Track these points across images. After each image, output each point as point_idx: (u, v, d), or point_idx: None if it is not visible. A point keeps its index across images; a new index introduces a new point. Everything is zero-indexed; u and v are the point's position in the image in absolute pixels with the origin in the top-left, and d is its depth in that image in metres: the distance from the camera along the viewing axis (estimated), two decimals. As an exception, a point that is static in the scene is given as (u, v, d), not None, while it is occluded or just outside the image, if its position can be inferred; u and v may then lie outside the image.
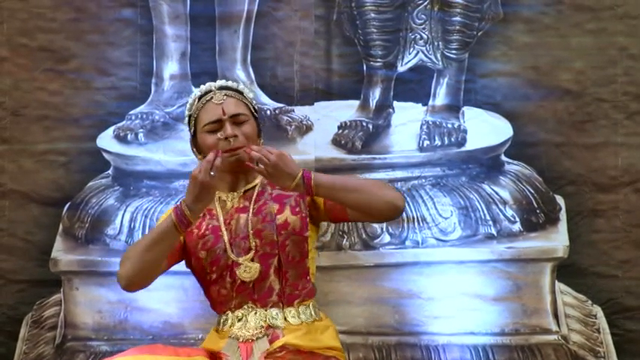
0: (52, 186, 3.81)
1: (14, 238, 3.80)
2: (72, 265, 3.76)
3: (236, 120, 2.79)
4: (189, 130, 2.85)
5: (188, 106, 2.87)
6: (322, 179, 2.66)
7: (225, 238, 2.75)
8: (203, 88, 2.86)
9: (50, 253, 3.77)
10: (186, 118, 2.87)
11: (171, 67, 3.81)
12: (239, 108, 2.80)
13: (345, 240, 3.62)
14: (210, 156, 2.61)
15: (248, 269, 2.72)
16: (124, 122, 3.81)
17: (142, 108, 3.81)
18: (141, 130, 3.80)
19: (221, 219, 2.78)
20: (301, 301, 2.77)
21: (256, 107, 2.88)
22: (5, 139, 3.82)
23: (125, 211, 3.77)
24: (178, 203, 2.63)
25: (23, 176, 3.81)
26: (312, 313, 2.78)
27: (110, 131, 3.81)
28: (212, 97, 2.80)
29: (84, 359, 3.75)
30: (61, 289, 3.77)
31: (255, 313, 2.73)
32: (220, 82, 2.87)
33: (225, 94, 2.81)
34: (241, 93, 2.86)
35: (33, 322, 3.79)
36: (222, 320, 2.78)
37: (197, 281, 2.84)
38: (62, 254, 3.77)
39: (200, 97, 2.84)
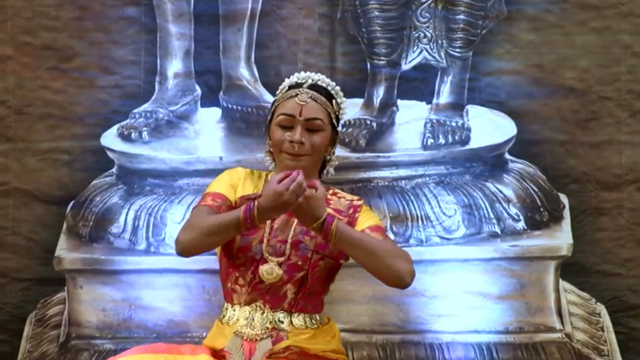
0: (55, 184, 3.81)
1: (18, 236, 3.80)
2: (76, 264, 3.76)
3: (310, 125, 2.79)
4: (270, 113, 2.86)
5: (279, 89, 2.89)
6: (343, 231, 2.67)
7: (266, 233, 2.76)
8: (301, 76, 2.86)
9: (54, 251, 3.77)
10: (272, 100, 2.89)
11: (175, 66, 3.81)
12: (318, 114, 2.80)
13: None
14: (300, 178, 2.60)
15: (271, 271, 2.73)
16: (127, 120, 3.81)
17: (145, 106, 3.81)
18: (145, 128, 3.79)
19: None
20: (310, 312, 2.78)
21: (340, 116, 2.88)
22: (9, 138, 3.81)
23: (129, 209, 3.77)
24: (250, 204, 2.63)
25: (27, 175, 3.81)
26: (318, 319, 2.79)
27: (114, 130, 3.81)
28: (297, 95, 2.81)
29: (88, 357, 3.75)
30: (65, 288, 3.77)
31: (263, 313, 2.74)
32: (317, 79, 2.86)
33: (311, 97, 2.81)
34: (331, 97, 2.85)
35: (37, 320, 3.79)
36: (228, 314, 2.78)
37: (219, 259, 2.84)
38: (66, 252, 3.77)
39: (290, 87, 2.84)
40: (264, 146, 2.97)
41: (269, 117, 2.89)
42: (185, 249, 2.76)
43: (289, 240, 2.76)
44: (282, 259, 2.75)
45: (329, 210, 2.77)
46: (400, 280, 2.72)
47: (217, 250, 2.90)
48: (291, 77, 2.91)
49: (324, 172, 2.97)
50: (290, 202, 2.61)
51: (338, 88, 2.93)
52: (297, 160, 2.79)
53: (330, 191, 2.92)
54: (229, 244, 2.79)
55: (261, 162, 3.68)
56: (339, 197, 2.91)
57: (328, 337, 2.79)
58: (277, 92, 2.94)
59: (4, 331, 3.79)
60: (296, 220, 2.76)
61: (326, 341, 2.77)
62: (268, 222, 2.78)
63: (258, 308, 2.75)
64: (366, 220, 2.84)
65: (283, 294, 2.74)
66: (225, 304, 2.82)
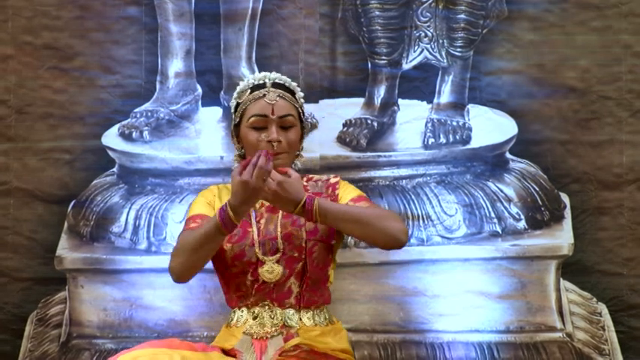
0: (56, 184, 3.81)
1: (19, 236, 3.80)
2: (77, 263, 3.76)
3: (283, 123, 2.79)
4: (234, 118, 2.85)
5: (237, 93, 2.88)
6: (326, 208, 2.66)
7: (255, 235, 2.76)
8: (257, 77, 2.86)
9: (55, 251, 3.77)
10: (234, 105, 2.87)
11: (176, 65, 3.81)
12: (289, 110, 2.81)
13: (350, 237, 3.61)
14: (262, 161, 2.58)
15: (272, 270, 2.73)
16: (128, 120, 3.81)
17: (146, 106, 3.81)
18: (146, 127, 3.80)
19: (252, 215, 2.78)
20: (317, 306, 2.77)
21: (303, 110, 2.88)
22: (10, 137, 3.82)
23: (130, 208, 3.77)
24: (223, 206, 2.62)
25: (28, 174, 3.81)
26: (327, 317, 2.79)
27: (115, 129, 3.81)
28: (265, 95, 2.80)
29: (89, 357, 3.74)
30: (66, 287, 3.77)
31: (272, 311, 2.74)
32: (274, 78, 2.86)
33: (279, 95, 2.81)
34: (293, 93, 2.86)
35: (38, 320, 3.79)
36: (235, 316, 2.78)
37: (215, 271, 2.84)
38: (67, 252, 3.77)
39: (252, 89, 2.83)
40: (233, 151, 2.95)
41: (235, 121, 2.87)
42: (178, 274, 2.76)
43: (279, 235, 2.76)
44: (277, 255, 2.74)
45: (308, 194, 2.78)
46: (395, 240, 2.71)
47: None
48: (247, 80, 2.90)
49: (292, 165, 2.95)
50: (258, 188, 2.57)
51: (295, 83, 2.93)
52: (275, 158, 2.78)
53: (305, 178, 2.92)
54: (221, 257, 2.78)
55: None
56: (315, 181, 2.91)
57: (337, 337, 2.79)
58: (235, 96, 2.91)
59: (5, 330, 3.79)
60: (280, 214, 2.76)
61: (335, 340, 2.77)
62: (254, 224, 2.77)
63: (266, 307, 2.75)
64: (347, 193, 2.84)
65: (288, 289, 2.74)
66: (232, 310, 2.81)
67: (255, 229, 2.78)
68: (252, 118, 2.80)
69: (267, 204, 2.79)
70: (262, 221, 2.79)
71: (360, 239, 2.76)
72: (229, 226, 2.62)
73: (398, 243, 2.72)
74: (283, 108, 2.82)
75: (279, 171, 2.66)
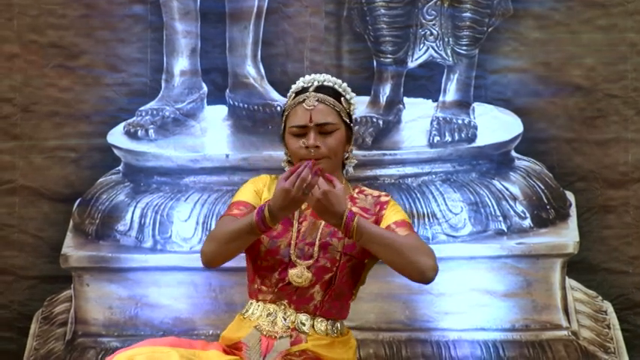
0: (62, 182, 3.82)
1: (25, 234, 3.81)
2: (82, 261, 3.77)
3: (323, 129, 2.75)
4: (282, 124, 2.83)
5: (288, 96, 2.86)
6: (364, 228, 2.63)
7: (293, 236, 2.74)
8: (306, 79, 2.82)
9: (60, 249, 3.78)
10: (281, 111, 2.85)
11: (181, 63, 3.81)
12: (328, 117, 2.75)
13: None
14: (305, 172, 2.58)
15: (301, 275, 2.71)
16: (134, 118, 3.82)
17: (152, 104, 3.82)
18: (151, 126, 3.80)
19: (295, 215, 2.76)
20: (334, 318, 2.76)
21: (351, 112, 2.84)
22: (16, 136, 3.82)
23: (135, 207, 3.77)
24: (262, 205, 2.62)
25: (34, 172, 3.82)
26: (339, 328, 2.77)
27: (120, 127, 3.82)
28: (304, 100, 2.77)
29: (94, 355, 3.75)
30: (72, 286, 3.77)
31: (286, 312, 2.72)
32: (322, 80, 2.81)
33: (318, 99, 2.76)
34: (339, 95, 2.82)
35: (43, 318, 3.80)
36: (251, 308, 2.77)
37: (246, 256, 2.83)
38: (72, 250, 3.78)
39: (296, 94, 2.81)
40: (283, 156, 2.93)
41: (282, 127, 2.86)
42: (209, 260, 2.75)
43: (317, 242, 2.74)
44: (310, 262, 2.72)
45: (355, 209, 2.75)
46: (422, 275, 2.70)
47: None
48: (297, 82, 2.86)
49: (344, 171, 2.93)
50: (298, 199, 2.58)
51: (345, 84, 2.88)
52: (315, 164, 2.76)
53: (357, 190, 2.88)
54: (255, 247, 2.77)
55: (267, 160, 3.69)
56: (366, 195, 2.87)
57: (345, 348, 2.78)
58: (286, 100, 2.90)
59: (11, 328, 3.79)
60: (323, 223, 2.74)
61: (343, 351, 2.76)
62: (295, 225, 2.75)
63: (282, 307, 2.73)
64: (392, 215, 2.80)
65: (310, 296, 2.72)
66: (250, 300, 2.81)
67: (295, 230, 2.76)
68: (292, 128, 2.78)
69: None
70: (304, 224, 2.76)
71: (389, 266, 2.72)
72: (264, 227, 2.62)
73: (425, 279, 2.71)
74: (322, 113, 2.76)
75: (326, 177, 2.64)
